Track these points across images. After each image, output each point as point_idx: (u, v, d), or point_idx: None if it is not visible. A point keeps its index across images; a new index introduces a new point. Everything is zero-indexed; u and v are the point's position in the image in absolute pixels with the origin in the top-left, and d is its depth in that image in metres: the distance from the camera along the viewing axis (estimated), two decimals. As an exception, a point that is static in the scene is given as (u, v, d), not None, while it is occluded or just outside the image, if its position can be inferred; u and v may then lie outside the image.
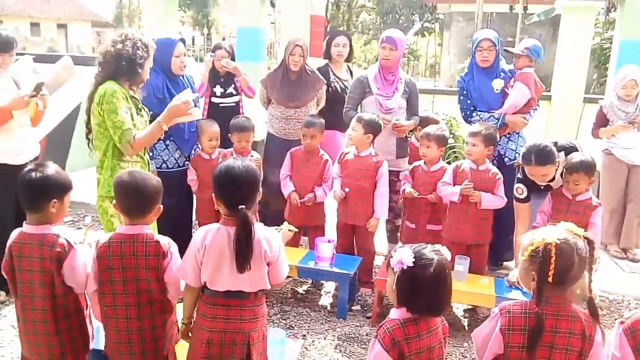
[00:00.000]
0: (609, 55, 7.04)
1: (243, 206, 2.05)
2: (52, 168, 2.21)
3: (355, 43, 30.85)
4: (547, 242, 1.65)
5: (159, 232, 2.90)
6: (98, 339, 2.47)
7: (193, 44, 35.08)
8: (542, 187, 3.41)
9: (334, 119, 4.32)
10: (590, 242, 1.71)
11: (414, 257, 1.75)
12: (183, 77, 3.76)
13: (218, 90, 4.44)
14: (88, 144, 2.97)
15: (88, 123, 2.91)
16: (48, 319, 2.16)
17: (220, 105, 4.44)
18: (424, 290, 1.75)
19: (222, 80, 4.45)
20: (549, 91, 6.87)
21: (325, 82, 4.45)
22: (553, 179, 3.34)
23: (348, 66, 4.96)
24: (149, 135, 2.87)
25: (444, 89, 12.20)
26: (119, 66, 2.83)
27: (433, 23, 26.69)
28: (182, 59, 3.64)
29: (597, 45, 11.40)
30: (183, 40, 3.71)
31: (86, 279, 2.19)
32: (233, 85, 4.49)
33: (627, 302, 3.94)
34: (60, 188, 2.21)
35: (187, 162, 3.85)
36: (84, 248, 2.24)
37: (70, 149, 6.76)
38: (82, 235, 2.36)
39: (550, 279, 1.64)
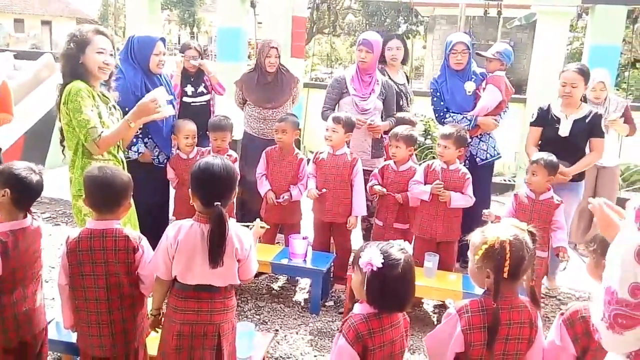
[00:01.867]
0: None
1: (219, 203, 2.09)
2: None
3: (342, 44, 30.98)
4: (501, 239, 1.73)
5: (140, 228, 2.98)
6: (59, 331, 2.54)
7: (179, 42, 34.92)
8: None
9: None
10: (533, 235, 1.80)
11: (383, 258, 1.79)
12: (161, 76, 3.80)
13: (189, 89, 4.46)
14: (62, 146, 2.97)
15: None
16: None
17: (192, 104, 4.44)
18: (392, 288, 1.81)
19: (192, 79, 4.47)
20: (524, 94, 7.02)
21: (299, 80, 4.49)
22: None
23: (404, 70, 4.88)
24: (115, 133, 2.84)
25: (424, 90, 12.33)
26: (70, 66, 2.82)
27: (418, 26, 26.87)
28: (161, 57, 3.68)
29: (576, 49, 11.62)
30: (163, 40, 3.75)
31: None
32: (204, 85, 4.51)
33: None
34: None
35: (166, 160, 3.91)
36: None
37: (49, 145, 6.75)
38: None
39: (505, 275, 1.72)
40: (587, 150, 3.87)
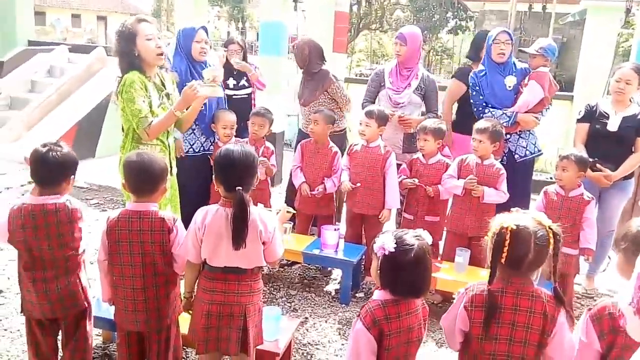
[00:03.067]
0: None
1: (240, 187, 2.18)
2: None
3: (389, 40, 30.71)
4: (503, 226, 1.75)
5: (181, 214, 3.12)
6: (100, 308, 2.69)
7: (228, 37, 35.54)
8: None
9: None
10: (555, 235, 1.77)
11: (395, 243, 1.85)
12: (206, 64, 3.94)
13: (231, 82, 4.55)
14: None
15: None
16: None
17: (234, 97, 4.52)
18: (404, 273, 1.85)
19: (234, 73, 4.55)
20: (572, 91, 6.83)
21: (335, 78, 4.48)
22: None
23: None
24: (163, 122, 3.04)
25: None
26: (126, 61, 3.03)
27: (467, 21, 26.38)
28: (203, 45, 3.86)
29: (625, 48, 11.18)
30: (204, 28, 3.93)
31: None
32: (245, 78, 4.61)
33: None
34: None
35: (212, 147, 4.07)
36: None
37: (100, 136, 7.06)
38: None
39: (503, 261, 1.74)
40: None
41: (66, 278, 2.40)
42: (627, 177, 3.79)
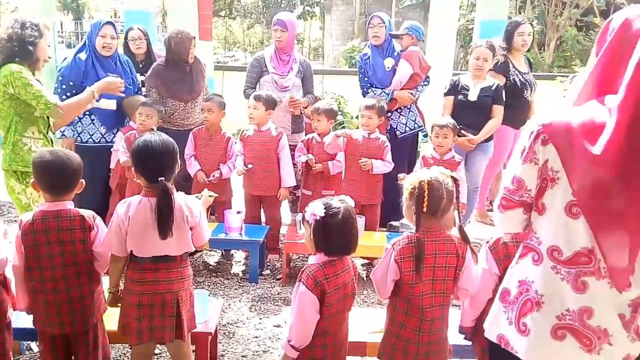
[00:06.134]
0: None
1: (162, 178, 2.21)
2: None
3: (238, 27, 30.59)
4: (421, 180, 2.04)
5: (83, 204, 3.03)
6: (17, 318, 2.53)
7: (62, 29, 32.63)
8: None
9: (511, 114, 4.39)
10: (455, 180, 2.12)
11: (324, 208, 2.05)
12: (118, 61, 3.92)
13: (139, 79, 4.29)
14: None
15: None
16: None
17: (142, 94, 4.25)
18: (335, 234, 2.06)
19: (141, 67, 4.34)
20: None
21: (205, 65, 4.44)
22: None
23: (527, 57, 4.87)
24: (80, 100, 3.07)
25: (332, 69, 12.79)
26: (11, 48, 2.93)
27: (314, 7, 27.22)
28: (108, 40, 3.82)
29: (463, 26, 12.53)
30: (112, 23, 3.92)
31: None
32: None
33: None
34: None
35: (114, 139, 3.99)
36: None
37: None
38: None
39: (425, 210, 2.03)
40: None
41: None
42: (487, 140, 4.39)
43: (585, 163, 1.36)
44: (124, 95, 3.74)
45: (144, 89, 4.25)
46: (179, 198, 2.30)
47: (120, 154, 3.88)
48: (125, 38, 4.52)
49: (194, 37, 4.21)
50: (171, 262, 2.32)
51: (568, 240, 1.44)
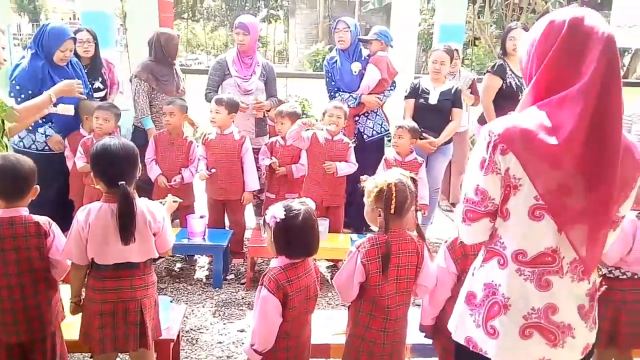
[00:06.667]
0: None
1: (123, 182, 2.17)
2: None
3: (202, 30, 30.29)
4: (388, 182, 2.07)
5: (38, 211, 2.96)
6: None
7: (19, 31, 31.63)
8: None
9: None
10: (414, 181, 2.17)
11: (284, 211, 2.06)
12: (70, 65, 3.86)
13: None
14: None
15: None
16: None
17: None
18: (296, 236, 2.06)
19: (86, 71, 4.25)
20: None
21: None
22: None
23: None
24: (37, 103, 2.98)
25: (296, 72, 12.82)
26: None
27: (278, 10, 27.19)
28: (67, 54, 3.76)
29: (424, 30, 12.75)
30: (74, 39, 3.86)
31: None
32: (101, 79, 4.35)
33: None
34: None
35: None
36: None
37: None
38: None
39: (392, 211, 2.07)
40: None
41: None
42: (447, 143, 4.48)
43: (547, 161, 1.38)
44: (84, 96, 3.68)
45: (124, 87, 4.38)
46: (141, 203, 2.27)
47: (77, 160, 3.80)
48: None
49: (179, 35, 4.34)
50: (134, 269, 2.27)
51: (532, 242, 1.48)
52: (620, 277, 2.31)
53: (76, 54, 4.20)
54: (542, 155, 1.38)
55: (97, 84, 4.34)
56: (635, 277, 2.29)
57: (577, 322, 1.51)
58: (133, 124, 4.56)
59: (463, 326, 1.61)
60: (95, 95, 4.28)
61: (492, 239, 1.56)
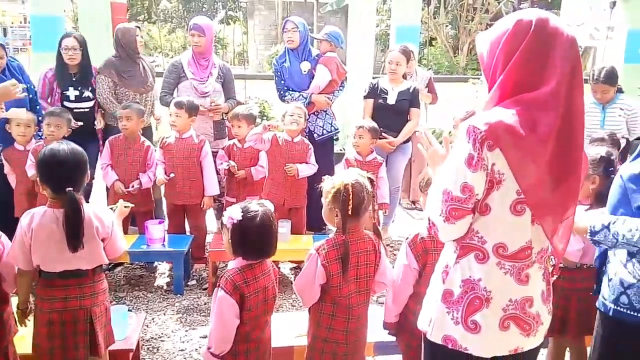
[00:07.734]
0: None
1: (70, 188, 2.12)
2: None
3: (158, 32, 29.77)
4: (345, 183, 2.07)
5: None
6: None
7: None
8: None
9: None
10: (371, 181, 2.18)
11: (242, 212, 2.03)
12: (7, 70, 3.71)
13: (72, 93, 4.08)
14: None
15: None
16: None
17: (75, 110, 4.05)
18: (253, 237, 2.04)
19: (74, 80, 4.09)
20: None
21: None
22: None
23: None
24: None
25: (255, 74, 12.75)
26: None
27: (237, 11, 26.99)
28: None
29: (382, 31, 12.89)
30: (2, 45, 3.68)
31: None
32: (91, 88, 4.18)
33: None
34: None
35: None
36: None
37: None
38: None
39: (350, 212, 2.07)
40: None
41: None
42: (406, 142, 4.53)
43: (529, 156, 1.41)
44: (22, 96, 3.38)
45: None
46: (88, 209, 2.22)
47: (27, 168, 3.67)
48: (59, 45, 4.07)
49: (138, 27, 4.31)
50: (83, 277, 2.22)
51: (514, 236, 1.51)
52: (569, 267, 2.39)
53: (62, 62, 4.04)
54: (526, 150, 1.41)
55: (87, 93, 4.16)
56: (584, 267, 2.37)
57: (542, 308, 1.57)
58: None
59: (440, 326, 1.59)
60: (84, 104, 4.16)
61: (467, 235, 1.55)
